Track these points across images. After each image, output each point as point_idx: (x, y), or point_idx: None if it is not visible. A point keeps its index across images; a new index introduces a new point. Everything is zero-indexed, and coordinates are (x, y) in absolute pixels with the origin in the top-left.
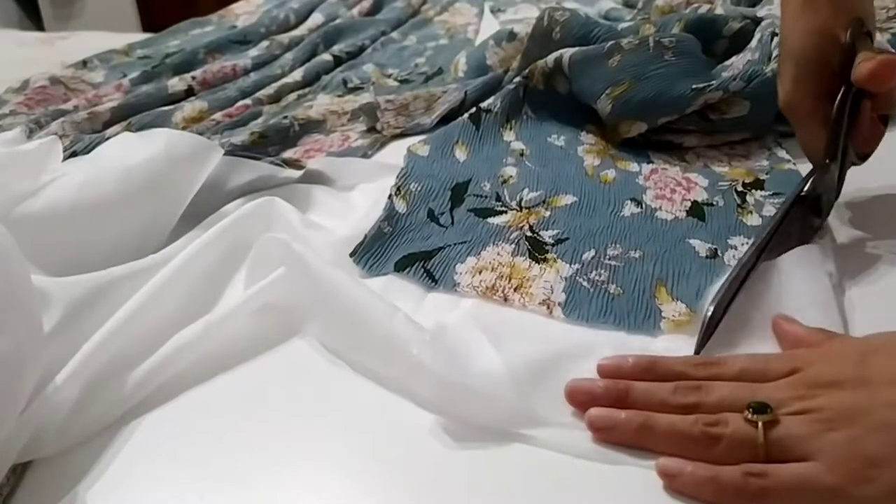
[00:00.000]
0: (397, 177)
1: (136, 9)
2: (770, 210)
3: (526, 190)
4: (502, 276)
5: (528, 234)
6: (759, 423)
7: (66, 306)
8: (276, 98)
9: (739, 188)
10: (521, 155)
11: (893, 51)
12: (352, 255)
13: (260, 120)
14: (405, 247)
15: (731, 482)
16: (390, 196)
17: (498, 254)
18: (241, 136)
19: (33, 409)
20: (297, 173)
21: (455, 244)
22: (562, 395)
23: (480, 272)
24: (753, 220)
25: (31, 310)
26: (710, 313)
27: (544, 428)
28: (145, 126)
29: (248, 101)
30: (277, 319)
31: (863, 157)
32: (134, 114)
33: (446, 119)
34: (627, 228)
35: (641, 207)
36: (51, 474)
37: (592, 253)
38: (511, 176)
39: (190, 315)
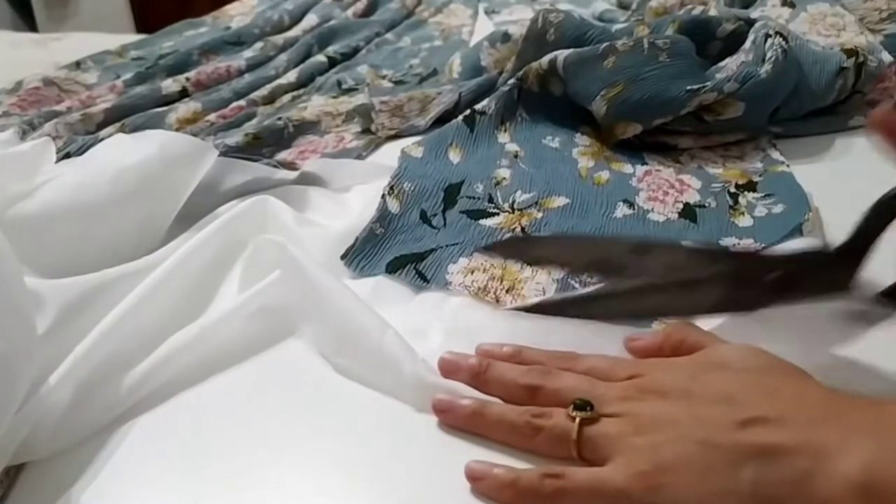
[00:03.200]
0: (391, 177)
1: (130, 10)
2: (762, 211)
3: (519, 192)
4: (494, 278)
5: (521, 235)
6: (577, 420)
7: (60, 308)
8: (270, 99)
9: (732, 189)
10: (516, 157)
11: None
12: (343, 257)
13: (254, 121)
14: (397, 248)
15: (527, 484)
16: (383, 195)
17: (490, 255)
18: (235, 138)
19: (27, 411)
20: (292, 174)
21: (447, 246)
22: None
23: (472, 273)
24: (745, 221)
25: (24, 312)
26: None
27: None
28: (139, 127)
29: (242, 102)
30: (272, 322)
31: None
32: (128, 115)
33: (441, 120)
34: (619, 230)
35: (634, 209)
36: (44, 477)
37: None
38: (504, 178)
39: (184, 315)
